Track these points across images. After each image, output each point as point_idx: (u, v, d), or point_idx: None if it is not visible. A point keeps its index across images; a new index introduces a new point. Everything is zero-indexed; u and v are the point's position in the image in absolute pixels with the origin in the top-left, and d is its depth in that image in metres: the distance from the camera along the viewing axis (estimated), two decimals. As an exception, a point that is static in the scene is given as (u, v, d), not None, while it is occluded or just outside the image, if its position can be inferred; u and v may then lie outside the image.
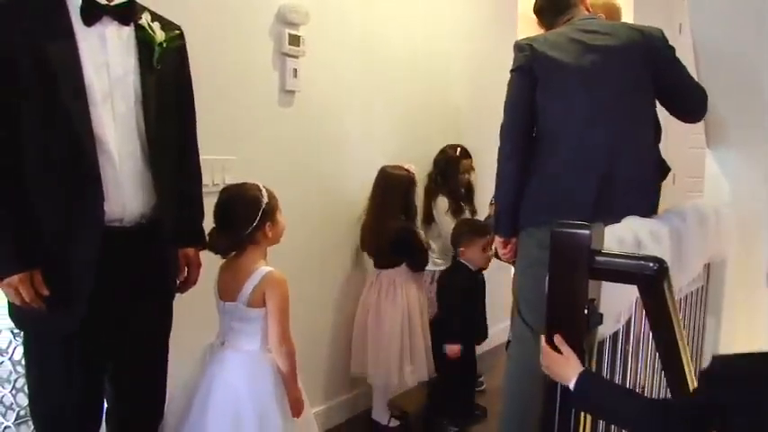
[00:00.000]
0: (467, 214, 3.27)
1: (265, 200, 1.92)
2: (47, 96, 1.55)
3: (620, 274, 1.38)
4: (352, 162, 2.94)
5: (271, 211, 1.94)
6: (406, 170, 2.92)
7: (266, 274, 1.88)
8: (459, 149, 3.24)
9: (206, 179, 2.23)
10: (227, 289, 1.92)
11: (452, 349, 2.88)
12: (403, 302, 2.87)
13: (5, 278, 1.55)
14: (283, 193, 2.24)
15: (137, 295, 1.73)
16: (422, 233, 3.00)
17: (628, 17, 5.26)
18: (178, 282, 1.94)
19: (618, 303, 1.62)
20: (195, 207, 1.95)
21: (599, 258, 1.38)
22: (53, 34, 1.56)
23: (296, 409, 1.91)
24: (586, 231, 1.36)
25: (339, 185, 2.73)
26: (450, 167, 3.22)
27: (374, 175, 2.93)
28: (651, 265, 1.34)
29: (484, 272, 3.08)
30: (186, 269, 1.96)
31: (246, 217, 1.89)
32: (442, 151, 3.27)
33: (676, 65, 2.14)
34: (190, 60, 1.92)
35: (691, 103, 2.19)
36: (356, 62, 2.92)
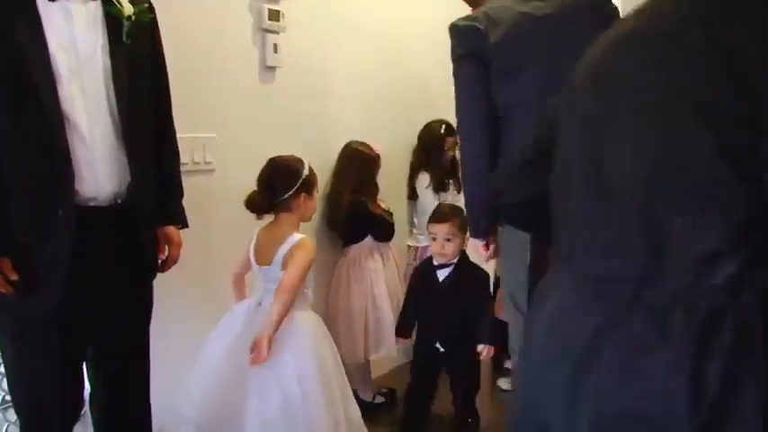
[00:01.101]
0: (452, 190, 3.23)
1: (306, 172, 2.14)
2: (13, 76, 1.51)
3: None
4: (335, 138, 2.89)
5: (309, 185, 2.16)
6: (371, 149, 2.89)
7: (298, 239, 2.09)
8: (444, 126, 3.18)
9: (186, 158, 2.21)
10: (264, 254, 2.12)
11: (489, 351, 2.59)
12: (367, 277, 2.86)
13: None
14: None
15: (113, 276, 1.71)
16: (383, 204, 2.93)
17: None
18: (159, 261, 1.92)
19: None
20: (174, 185, 1.93)
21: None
22: (16, 12, 1.51)
23: (258, 352, 1.91)
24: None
25: (322, 162, 2.67)
26: (434, 143, 3.18)
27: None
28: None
29: None
30: (167, 248, 1.93)
31: (286, 184, 2.10)
32: (427, 126, 3.23)
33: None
34: (169, 38, 1.90)
35: None
36: (338, 37, 2.86)
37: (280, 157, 2.19)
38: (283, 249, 2.08)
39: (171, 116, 1.91)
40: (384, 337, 2.88)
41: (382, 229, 2.89)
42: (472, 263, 2.60)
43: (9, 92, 1.53)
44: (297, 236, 2.11)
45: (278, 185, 2.11)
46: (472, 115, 1.97)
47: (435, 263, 2.63)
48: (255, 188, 2.13)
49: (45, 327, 1.63)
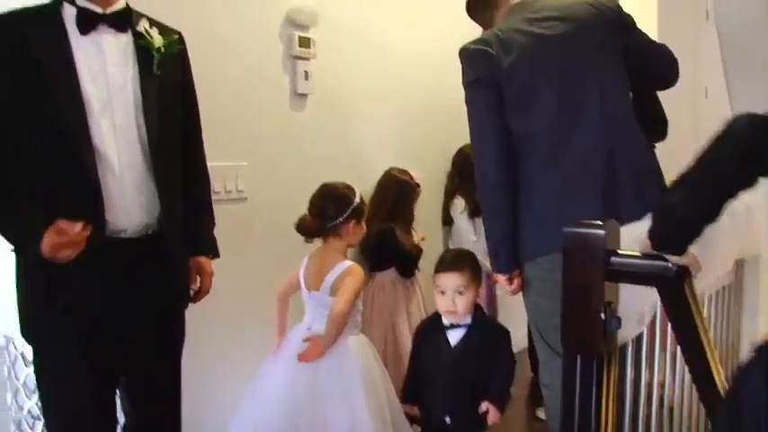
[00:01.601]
0: None
1: (357, 200, 2.19)
2: (44, 108, 1.53)
3: (637, 275, 1.30)
4: (366, 164, 2.89)
5: (359, 212, 2.21)
6: (410, 176, 2.87)
7: (348, 266, 2.14)
8: None
9: (218, 186, 2.23)
10: (313, 279, 2.18)
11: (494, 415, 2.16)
12: (389, 307, 2.83)
13: (40, 247, 1.50)
14: (297, 197, 2.25)
15: (144, 306, 1.69)
16: (416, 235, 2.89)
17: (651, 5, 5.21)
18: (191, 291, 1.91)
19: (640, 304, 1.54)
20: (205, 214, 1.92)
21: (614, 259, 1.30)
22: (49, 45, 1.54)
23: (308, 351, 2.05)
24: (600, 231, 1.29)
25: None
26: (468, 167, 3.14)
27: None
28: (670, 265, 1.26)
29: None
30: (198, 278, 1.92)
31: (337, 210, 2.16)
32: (460, 151, 3.20)
33: (639, 31, 1.98)
34: (199, 66, 1.91)
35: (664, 66, 1.99)
36: (368, 62, 2.87)
37: (331, 183, 2.24)
38: (332, 276, 2.14)
39: (202, 145, 1.91)
40: (401, 368, 2.83)
41: (405, 263, 2.85)
42: (490, 319, 2.27)
43: (40, 122, 1.54)
44: (346, 263, 2.16)
45: (329, 211, 2.16)
46: (486, 145, 1.90)
47: (445, 322, 2.17)
48: (293, 214, 2.18)
49: (77, 355, 1.62)
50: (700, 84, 5.14)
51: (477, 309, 2.18)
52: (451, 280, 2.11)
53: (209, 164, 2.02)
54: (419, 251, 2.87)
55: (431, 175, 3.20)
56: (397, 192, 2.85)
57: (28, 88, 1.52)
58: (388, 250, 2.81)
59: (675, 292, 1.27)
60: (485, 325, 2.20)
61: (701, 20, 5.01)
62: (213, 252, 1.93)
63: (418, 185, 2.90)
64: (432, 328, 2.22)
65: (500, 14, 2.04)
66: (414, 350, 2.30)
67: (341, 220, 2.16)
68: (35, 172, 1.57)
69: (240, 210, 2.37)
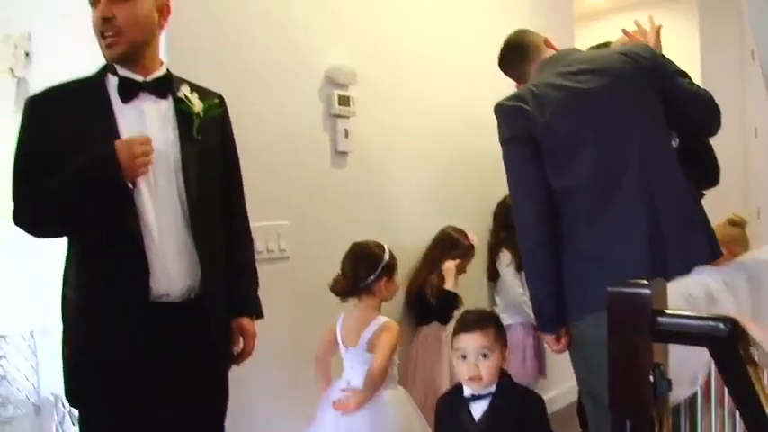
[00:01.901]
0: None
1: (387, 258, 2.21)
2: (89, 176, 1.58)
3: (686, 336, 1.25)
4: (407, 221, 2.88)
5: (390, 269, 2.22)
6: (465, 237, 2.86)
7: (383, 323, 2.17)
8: None
9: (260, 246, 2.25)
10: (350, 336, 2.20)
11: None
12: (432, 361, 2.78)
13: (118, 168, 1.54)
14: (339, 255, 2.25)
15: (186, 369, 1.70)
16: (449, 282, 2.82)
17: (693, 46, 5.16)
18: (234, 353, 1.92)
19: (692, 363, 1.48)
20: (248, 276, 1.92)
21: (662, 319, 1.25)
22: (95, 116, 1.60)
23: (346, 401, 2.08)
24: (646, 290, 1.25)
25: (395, 245, 2.62)
26: (511, 219, 3.11)
27: (430, 234, 2.88)
28: (721, 326, 1.21)
29: None
30: (241, 339, 1.92)
31: (368, 269, 2.18)
32: (501, 204, 3.16)
33: (678, 78, 1.92)
34: (240, 126, 1.95)
35: (704, 114, 1.93)
36: (407, 119, 2.89)
37: (361, 242, 2.27)
38: (368, 332, 2.16)
39: (244, 207, 1.94)
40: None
41: (439, 310, 2.79)
42: (519, 387, 2.02)
43: (88, 192, 1.58)
44: (381, 318, 2.19)
45: (360, 271, 2.19)
46: (525, 203, 1.87)
47: (467, 393, 1.93)
48: (335, 272, 2.22)
49: (121, 417, 1.62)
50: (749, 123, 5.05)
51: (502, 375, 1.95)
52: (474, 341, 1.91)
53: (254, 224, 2.04)
54: (449, 297, 2.80)
55: (473, 230, 3.16)
56: (450, 249, 2.86)
57: (78, 154, 1.57)
58: (423, 306, 2.80)
59: (728, 353, 1.21)
60: (513, 393, 1.94)
61: (746, 60, 4.96)
62: (256, 313, 1.93)
63: (472, 247, 2.89)
64: (453, 401, 1.99)
65: (533, 68, 2.04)
66: (435, 427, 2.08)
67: (372, 278, 2.18)
68: (82, 239, 1.62)
69: (283, 269, 2.38)
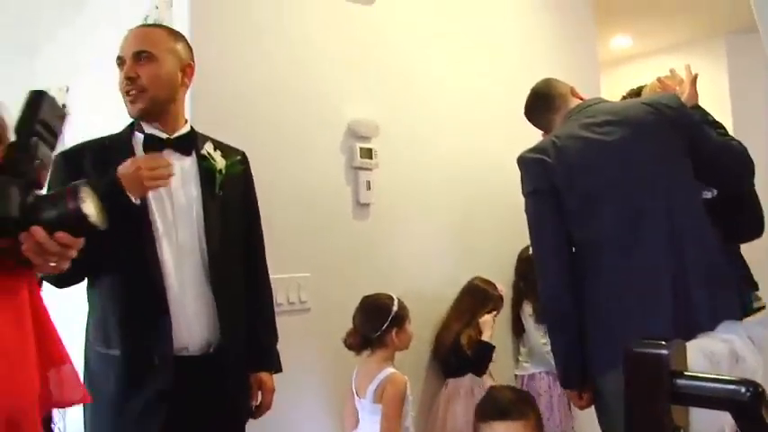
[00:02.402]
0: None
1: (395, 309, 2.22)
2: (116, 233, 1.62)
3: (706, 399, 1.20)
4: (429, 272, 2.85)
5: (399, 319, 2.23)
6: (494, 287, 2.84)
7: (388, 375, 2.17)
8: None
9: (281, 298, 2.27)
10: (361, 386, 2.23)
11: None
12: (463, 414, 2.69)
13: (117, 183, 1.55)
14: None
15: (205, 423, 1.70)
16: (486, 334, 2.77)
17: (723, 90, 5.11)
18: (252, 407, 1.91)
19: (716, 423, 1.42)
20: (267, 331, 1.95)
21: (680, 382, 1.21)
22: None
23: None
24: (664, 351, 1.21)
25: (418, 298, 2.59)
26: (532, 271, 3.07)
27: (452, 285, 2.86)
28: (742, 390, 1.17)
29: None
30: (260, 394, 1.92)
31: (376, 322, 2.20)
32: (520, 257, 3.11)
33: (706, 128, 1.89)
34: (262, 178, 1.99)
35: (734, 166, 1.89)
36: (430, 170, 2.89)
37: (371, 295, 2.29)
38: (374, 383, 2.17)
39: (265, 262, 1.97)
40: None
41: (473, 364, 2.74)
42: None
43: (115, 250, 1.61)
44: (388, 370, 2.19)
45: (369, 324, 2.22)
46: (546, 257, 1.88)
47: None
48: (350, 325, 2.24)
49: None
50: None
51: None
52: (508, 429, 1.84)
53: (272, 276, 2.07)
54: (485, 348, 2.76)
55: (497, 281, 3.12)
56: (481, 301, 2.83)
57: None
58: (458, 358, 2.76)
59: (751, 418, 1.17)
60: None
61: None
62: (275, 368, 1.94)
63: (501, 298, 2.86)
64: None
65: (559, 118, 2.04)
66: None
67: (382, 330, 2.20)
68: (106, 292, 1.66)
69: (304, 320, 2.38)
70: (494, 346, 2.75)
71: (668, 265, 1.73)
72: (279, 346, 2.20)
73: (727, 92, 5.23)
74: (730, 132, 5.06)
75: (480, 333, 2.77)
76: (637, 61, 5.33)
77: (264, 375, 1.92)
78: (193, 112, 2.13)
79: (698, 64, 5.43)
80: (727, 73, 5.29)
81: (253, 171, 2.23)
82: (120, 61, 1.72)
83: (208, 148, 1.79)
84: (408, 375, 2.73)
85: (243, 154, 1.90)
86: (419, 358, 2.76)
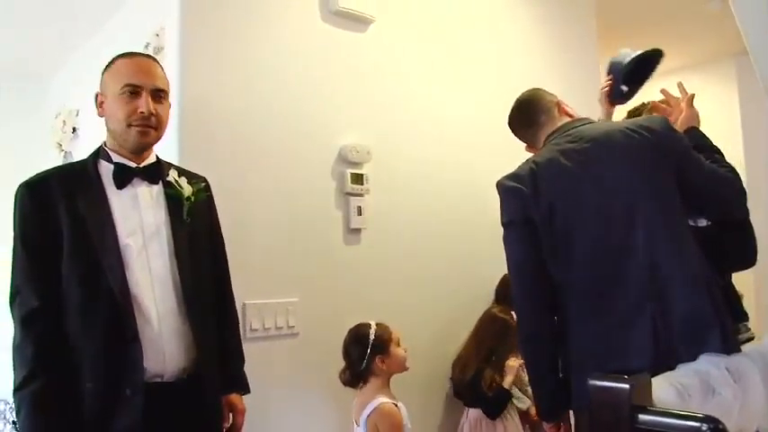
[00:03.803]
0: None
1: (372, 336, 2.19)
2: (85, 263, 1.63)
3: (667, 436, 1.19)
4: (420, 299, 2.83)
5: (380, 346, 2.19)
6: (511, 316, 2.78)
7: (377, 406, 2.14)
8: None
9: (269, 323, 2.28)
10: (357, 415, 2.21)
11: None
12: None
13: None
14: None
15: None
16: (508, 380, 2.75)
17: (734, 110, 5.05)
18: (224, 429, 1.91)
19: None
20: (235, 353, 1.97)
21: (642, 417, 1.20)
22: (89, 202, 1.66)
23: None
24: (625, 385, 1.20)
25: (408, 323, 2.52)
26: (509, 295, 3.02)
27: (444, 311, 2.85)
28: (704, 427, 1.15)
29: None
30: (231, 416, 1.93)
31: (358, 353, 2.18)
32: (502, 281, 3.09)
33: (692, 154, 1.78)
34: (252, 203, 2.01)
35: (724, 195, 1.79)
36: (422, 196, 2.88)
37: (354, 327, 2.26)
38: (366, 412, 2.16)
39: (230, 286, 1.98)
40: None
41: (488, 405, 2.73)
42: None
43: (82, 278, 1.63)
44: (378, 400, 2.15)
45: (353, 358, 2.20)
46: (522, 290, 1.81)
47: None
48: (341, 353, 2.24)
49: None
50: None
51: None
52: None
53: (260, 300, 2.08)
54: (504, 395, 2.73)
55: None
56: (496, 332, 2.79)
57: (75, 241, 1.63)
58: (475, 394, 2.74)
59: (711, 455, 1.15)
60: None
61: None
62: (244, 389, 1.96)
63: None
64: None
65: (543, 133, 1.95)
66: None
67: (366, 360, 2.17)
68: (75, 322, 1.63)
69: (291, 345, 2.38)
70: (511, 395, 2.73)
71: (650, 308, 1.65)
72: (265, 371, 2.23)
73: (738, 113, 5.18)
74: (740, 154, 4.97)
75: (503, 376, 2.74)
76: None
77: (235, 397, 1.93)
78: (182, 140, 2.17)
79: (708, 85, 5.44)
80: (737, 94, 5.24)
81: (242, 196, 2.27)
82: (135, 90, 1.70)
83: (173, 174, 1.81)
84: (421, 402, 2.75)
85: (206, 181, 1.92)
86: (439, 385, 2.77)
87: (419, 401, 2.76)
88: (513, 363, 2.73)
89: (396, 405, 2.19)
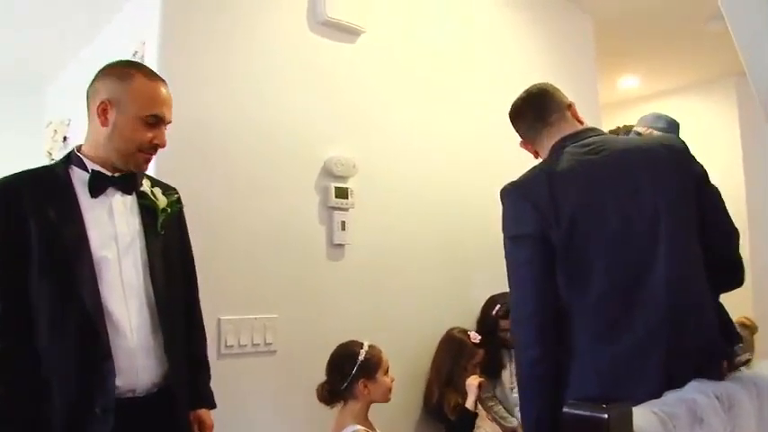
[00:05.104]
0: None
1: (362, 357, 2.06)
2: (57, 276, 1.55)
3: (645, 471, 1.11)
4: (405, 317, 2.75)
5: (369, 369, 2.06)
6: (468, 337, 2.73)
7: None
8: (498, 307, 2.86)
9: (245, 339, 2.21)
10: None
11: None
12: None
13: None
14: (328, 352, 2.16)
15: None
16: (470, 400, 2.64)
17: (734, 132, 5.00)
18: None
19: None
20: (203, 369, 1.91)
21: (621, 450, 1.12)
22: (62, 211, 1.58)
23: None
24: (604, 415, 1.12)
25: (392, 345, 2.33)
26: (489, 326, 2.89)
27: (430, 331, 2.77)
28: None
29: None
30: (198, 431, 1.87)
31: (342, 372, 2.06)
32: (485, 306, 2.98)
33: (709, 182, 1.63)
34: (233, 215, 1.99)
35: (729, 235, 1.65)
36: (409, 212, 2.80)
37: (343, 343, 2.15)
38: None
39: (198, 301, 1.92)
40: None
41: (462, 426, 2.63)
42: None
43: (53, 290, 1.55)
44: (353, 427, 2.03)
45: (336, 375, 2.08)
46: (527, 317, 1.58)
47: None
48: (322, 371, 2.14)
49: None
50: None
51: None
52: None
53: (238, 317, 2.06)
54: (467, 416, 2.62)
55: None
56: (453, 353, 2.72)
57: (46, 251, 1.55)
58: (441, 417, 2.67)
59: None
60: None
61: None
62: (212, 405, 1.90)
63: (476, 345, 2.74)
64: None
65: (550, 134, 1.76)
66: None
67: (349, 381, 2.05)
68: (47, 336, 1.56)
69: (268, 363, 2.29)
70: (475, 415, 2.62)
71: (666, 338, 1.51)
72: (240, 390, 2.18)
73: (738, 134, 5.13)
74: (740, 174, 4.90)
75: (465, 397, 2.65)
76: (645, 102, 5.24)
77: (204, 413, 1.87)
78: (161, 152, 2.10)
79: (708, 105, 5.40)
80: (737, 115, 5.19)
81: (221, 208, 2.20)
82: (157, 120, 1.67)
83: (146, 184, 1.76)
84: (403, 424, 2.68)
85: (178, 192, 1.85)
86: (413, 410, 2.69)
87: (400, 423, 2.68)
88: (473, 381, 2.65)
89: None
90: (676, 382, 1.46)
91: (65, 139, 3.74)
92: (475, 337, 2.73)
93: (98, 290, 1.57)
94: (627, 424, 1.16)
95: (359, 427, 2.03)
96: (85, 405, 1.54)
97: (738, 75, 5.18)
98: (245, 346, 2.20)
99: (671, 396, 1.42)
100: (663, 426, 1.28)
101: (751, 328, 2.23)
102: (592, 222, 1.55)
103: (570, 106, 1.80)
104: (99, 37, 3.23)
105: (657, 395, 1.43)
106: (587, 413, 1.12)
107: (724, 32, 4.16)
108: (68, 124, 3.73)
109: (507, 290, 2.85)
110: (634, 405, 1.18)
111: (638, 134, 2.56)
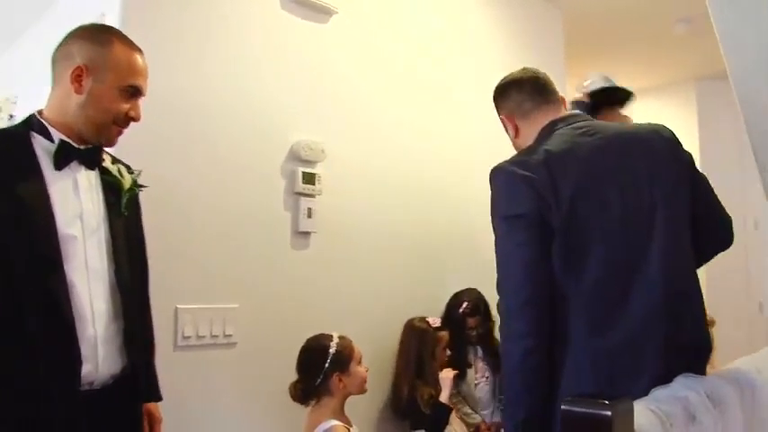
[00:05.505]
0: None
1: (333, 350, 1.99)
2: (19, 252, 1.38)
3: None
4: (376, 310, 2.65)
5: (341, 362, 1.99)
6: (427, 324, 2.65)
7: (328, 427, 1.93)
8: (465, 304, 2.82)
9: (203, 330, 2.09)
10: None
11: None
12: None
13: None
14: (295, 344, 2.07)
15: None
16: (444, 393, 2.56)
17: (693, 135, 5.06)
18: None
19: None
20: (152, 361, 1.77)
21: (626, 450, 1.04)
22: (24, 182, 1.41)
23: None
24: (608, 412, 1.04)
25: (360, 333, 2.27)
26: (457, 323, 2.83)
27: (399, 321, 2.66)
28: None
29: None
30: (147, 426, 1.74)
31: (315, 367, 1.97)
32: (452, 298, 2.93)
33: (699, 172, 1.63)
34: (193, 202, 1.90)
35: (726, 224, 1.65)
36: (378, 200, 2.71)
37: (312, 337, 2.06)
38: None
39: (148, 288, 1.77)
40: None
41: (430, 423, 2.54)
42: None
43: (12, 271, 1.38)
44: (330, 423, 1.95)
45: (307, 372, 2.00)
46: (527, 298, 1.46)
47: None
48: (290, 363, 2.04)
49: None
50: (748, 215, 4.91)
51: None
52: None
53: (194, 305, 1.95)
54: (443, 410, 2.53)
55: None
56: (417, 343, 2.64)
57: (7, 227, 1.38)
58: (415, 414, 2.57)
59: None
60: None
61: (745, 149, 4.84)
62: (160, 398, 1.78)
63: (438, 329, 2.66)
64: None
65: (544, 115, 1.67)
66: None
67: (322, 376, 1.96)
68: (9, 318, 1.39)
69: (227, 356, 2.15)
70: (451, 409, 2.54)
71: (662, 331, 1.46)
72: (197, 383, 2.07)
73: (697, 137, 5.21)
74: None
75: (438, 390, 2.56)
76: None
77: (152, 406, 1.76)
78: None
79: (668, 109, 5.45)
80: (696, 118, 5.27)
81: (181, 191, 2.07)
82: (135, 92, 1.56)
83: (108, 160, 1.61)
84: (376, 420, 2.59)
85: (140, 173, 1.71)
86: (374, 406, 2.58)
87: (374, 420, 2.59)
88: (448, 374, 2.57)
89: (348, 430, 1.99)
90: (673, 375, 1.40)
91: (11, 117, 3.58)
92: (434, 322, 2.66)
93: (63, 272, 1.42)
94: (629, 422, 1.09)
95: (335, 422, 1.95)
96: (50, 392, 1.40)
97: (699, 79, 5.25)
98: (204, 337, 2.07)
99: (663, 393, 1.36)
100: (661, 424, 1.22)
101: (709, 323, 2.19)
102: (591, 206, 1.47)
103: (562, 99, 1.76)
104: (51, 10, 3.02)
105: (654, 378, 1.39)
106: (589, 410, 1.04)
107: (690, 36, 4.23)
108: (15, 102, 3.56)
109: (473, 284, 2.84)
110: (633, 401, 1.12)
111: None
